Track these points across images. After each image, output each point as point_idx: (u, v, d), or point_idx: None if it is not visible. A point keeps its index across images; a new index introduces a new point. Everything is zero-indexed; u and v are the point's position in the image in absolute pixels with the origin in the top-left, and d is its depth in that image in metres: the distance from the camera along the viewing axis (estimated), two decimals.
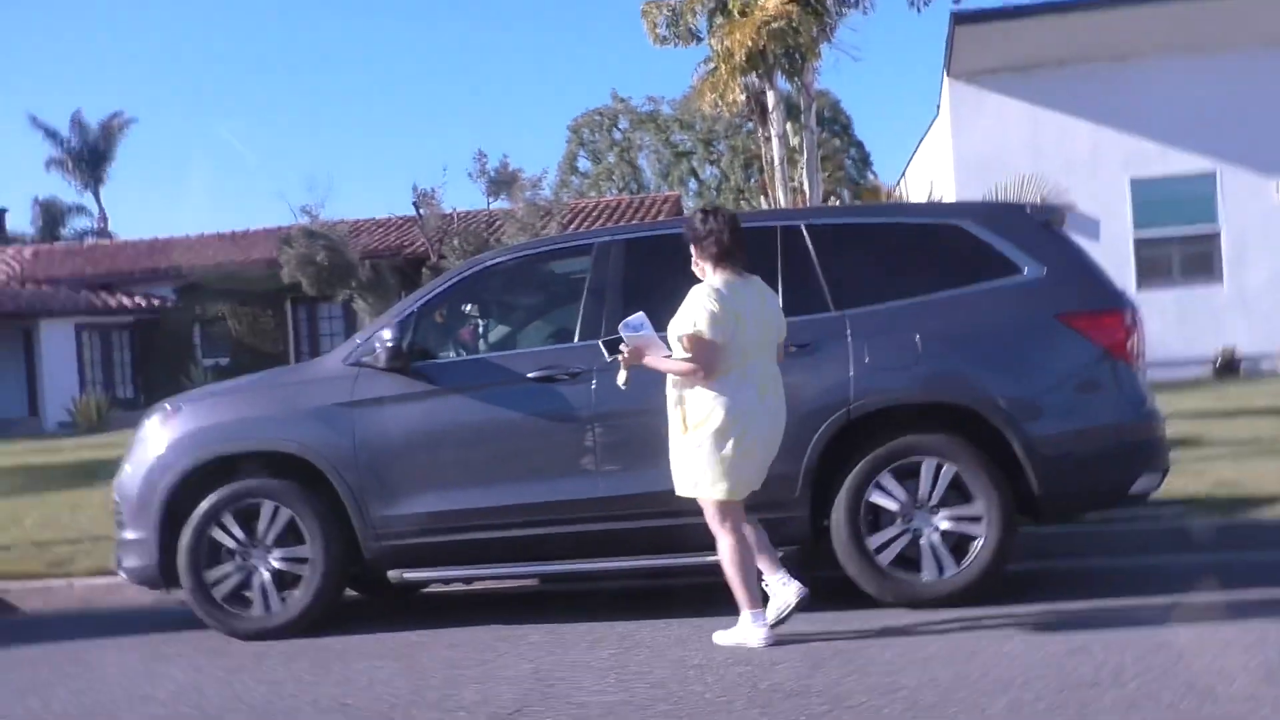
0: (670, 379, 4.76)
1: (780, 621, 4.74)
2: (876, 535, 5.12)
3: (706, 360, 4.66)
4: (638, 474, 5.15)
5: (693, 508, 5.03)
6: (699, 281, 4.82)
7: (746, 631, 4.69)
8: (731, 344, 4.68)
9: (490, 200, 22.68)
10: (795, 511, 5.16)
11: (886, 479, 5.12)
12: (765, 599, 4.78)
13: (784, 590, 4.79)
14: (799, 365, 5.16)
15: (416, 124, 70.98)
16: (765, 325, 4.78)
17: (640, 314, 4.84)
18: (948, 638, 4.57)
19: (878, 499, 5.13)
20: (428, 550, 5.47)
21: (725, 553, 4.73)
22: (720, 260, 4.81)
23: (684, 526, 5.14)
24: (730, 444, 4.67)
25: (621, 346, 4.75)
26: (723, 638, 4.74)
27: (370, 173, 70.27)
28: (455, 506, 5.38)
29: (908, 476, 5.13)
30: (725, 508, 4.74)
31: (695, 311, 4.68)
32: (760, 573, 4.83)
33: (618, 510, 5.21)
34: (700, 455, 4.68)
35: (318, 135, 69.84)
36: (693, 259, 4.89)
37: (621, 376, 4.85)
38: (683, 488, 4.76)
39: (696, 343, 4.65)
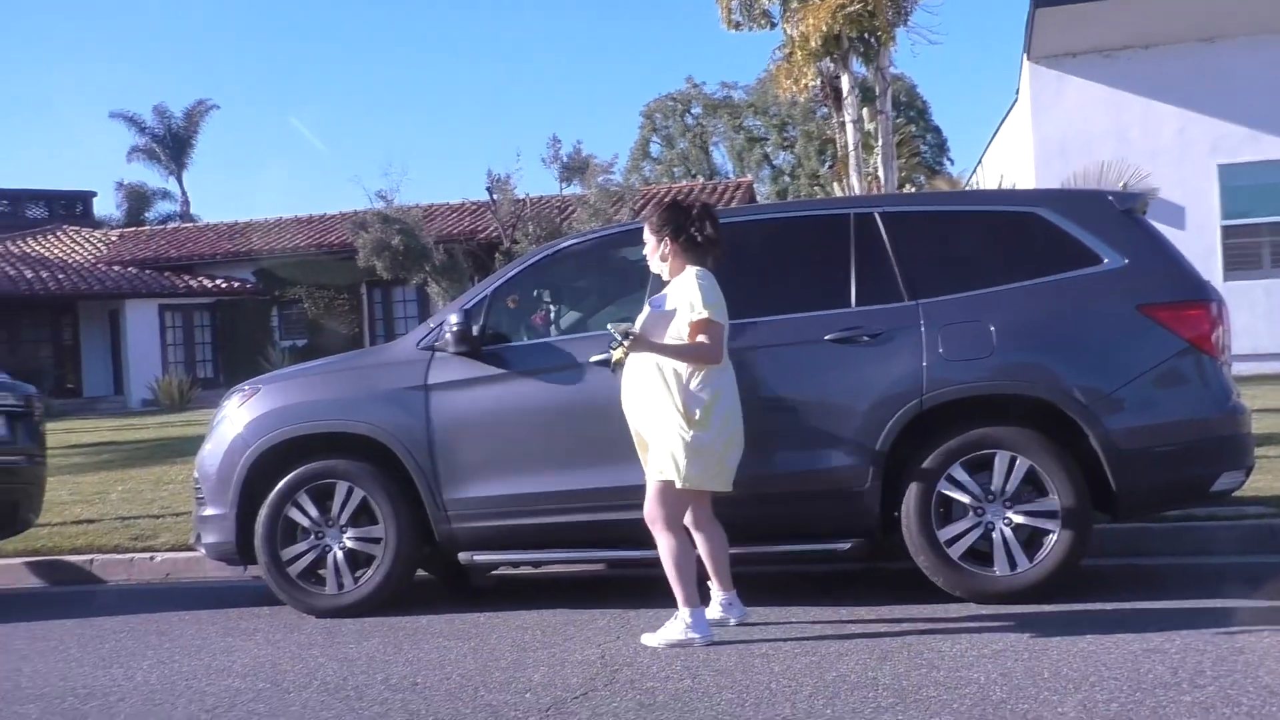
0: (660, 368, 4.65)
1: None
2: (948, 528, 5.06)
3: (719, 346, 4.63)
4: None
5: (765, 493, 5.05)
6: (693, 272, 4.66)
7: (683, 630, 4.61)
8: (729, 332, 4.71)
9: (563, 186, 22.88)
10: (865, 502, 5.09)
11: (959, 471, 5.05)
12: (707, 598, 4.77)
13: (728, 612, 4.81)
14: (871, 355, 5.11)
15: (491, 110, 71.59)
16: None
17: (665, 293, 4.79)
18: (1019, 633, 4.50)
19: (949, 491, 5.06)
20: (497, 533, 5.47)
21: (669, 549, 4.66)
22: (701, 255, 4.77)
23: (758, 515, 5.15)
24: (730, 436, 4.68)
25: (632, 330, 4.61)
26: (652, 638, 4.64)
27: (444, 158, 71.08)
28: (525, 490, 5.38)
29: (980, 469, 5.06)
30: (686, 504, 4.68)
31: (703, 296, 4.62)
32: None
33: None
34: (705, 447, 4.61)
35: (393, 121, 70.84)
36: (654, 251, 4.84)
37: (616, 355, 4.69)
38: (675, 479, 4.61)
39: (711, 327, 4.60)
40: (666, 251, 4.80)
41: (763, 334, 5.23)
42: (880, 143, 14.47)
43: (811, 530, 5.19)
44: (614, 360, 4.68)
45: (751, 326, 5.23)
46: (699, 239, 4.74)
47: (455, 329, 5.47)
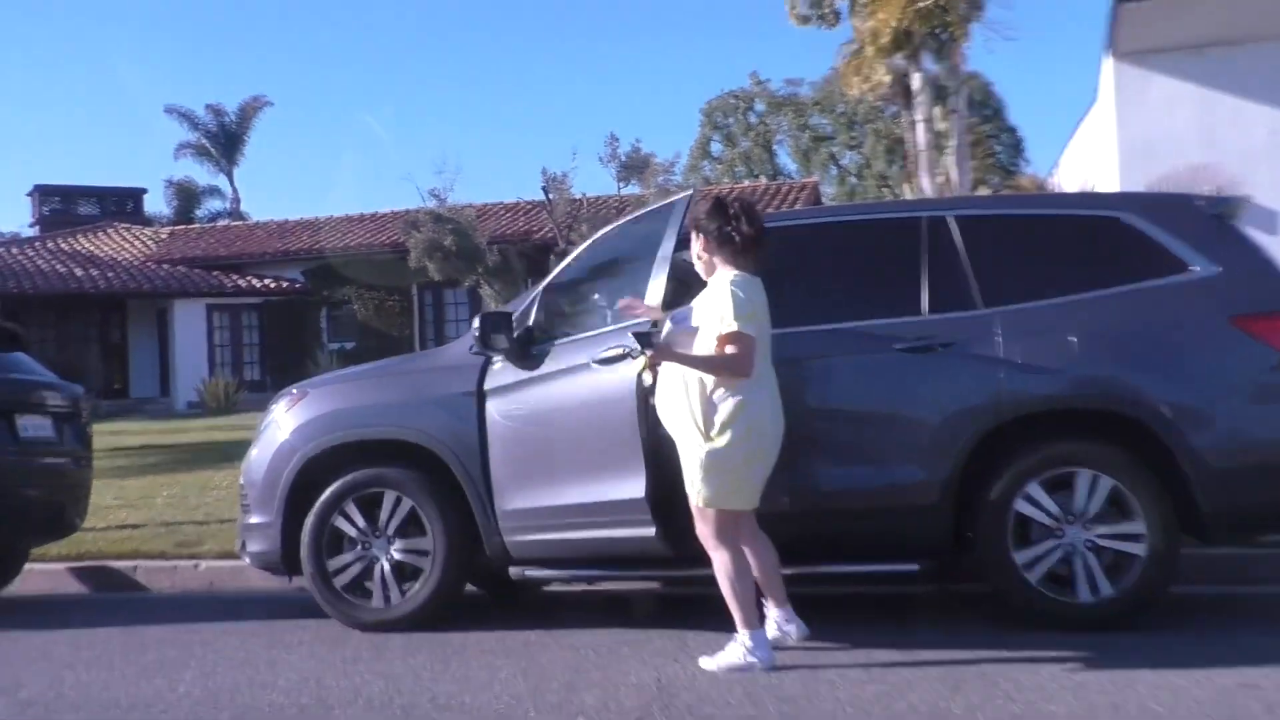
0: (685, 375, 4.54)
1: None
2: (1025, 550, 4.92)
3: (748, 359, 4.48)
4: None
5: (830, 509, 4.98)
6: (728, 277, 4.56)
7: (743, 654, 4.51)
8: (763, 343, 4.55)
9: (621, 185, 22.87)
10: (936, 521, 4.96)
11: (1036, 489, 4.91)
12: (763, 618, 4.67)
13: (785, 629, 4.74)
14: (944, 366, 5.00)
15: (546, 108, 71.91)
16: (767, 326, 4.63)
17: (689, 306, 4.68)
18: (1102, 664, 4.38)
19: (1027, 510, 4.92)
20: (550, 547, 5.33)
21: (724, 568, 4.56)
22: (740, 255, 4.64)
23: (823, 532, 5.03)
24: (750, 450, 4.53)
25: (654, 334, 4.53)
26: (710, 663, 4.56)
27: (499, 156, 71.45)
28: (579, 500, 5.16)
29: (1060, 487, 4.92)
30: (732, 519, 4.59)
31: (733, 306, 4.48)
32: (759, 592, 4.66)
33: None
34: (719, 463, 4.49)
35: (446, 118, 71.41)
36: (696, 250, 4.74)
37: (646, 376, 4.67)
38: (694, 497, 4.55)
39: (739, 340, 4.46)
40: (701, 250, 4.71)
41: (829, 342, 5.16)
42: (953, 143, 14.25)
43: (880, 550, 5.10)
44: (640, 370, 4.62)
45: (818, 334, 5.16)
46: (735, 238, 4.61)
47: (476, 332, 5.41)
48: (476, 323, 5.47)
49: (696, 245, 4.73)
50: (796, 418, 4.78)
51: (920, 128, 14.27)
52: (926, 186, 14.06)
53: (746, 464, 4.53)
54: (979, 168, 19.87)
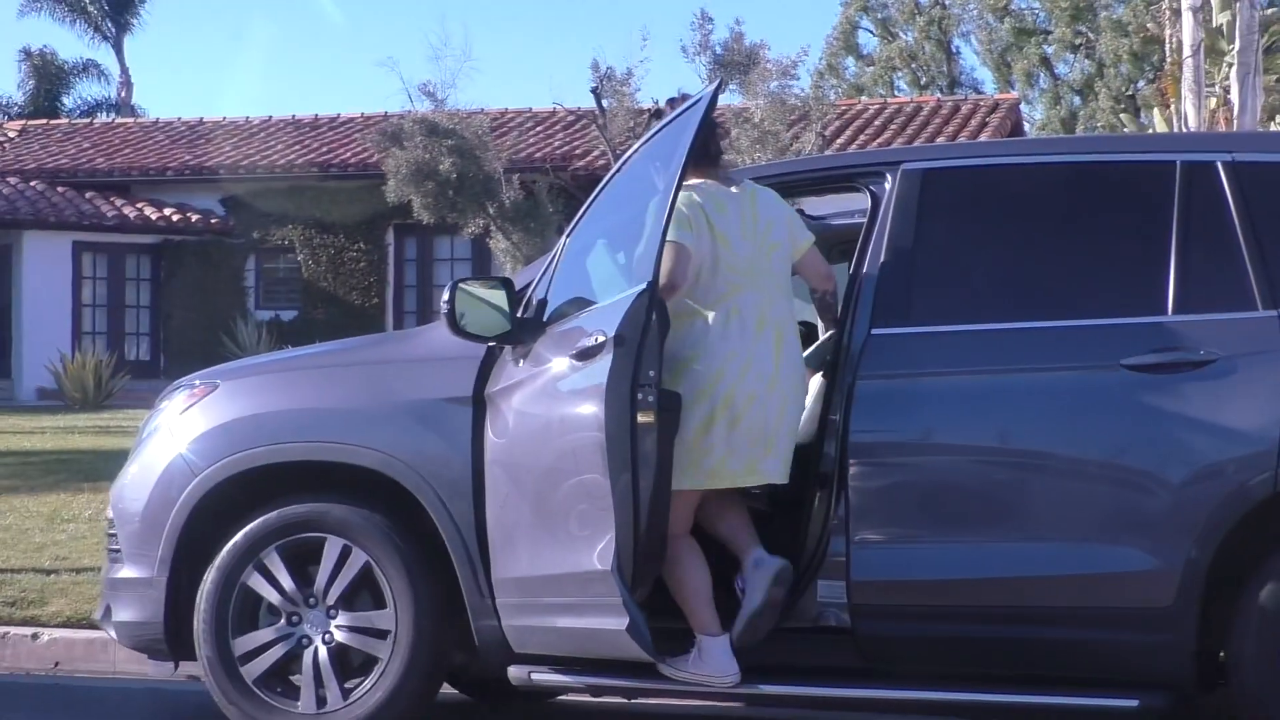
0: None
1: None
2: None
3: (673, 272, 5.08)
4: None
5: (1012, 607, 5.05)
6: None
7: (703, 664, 5.11)
8: (710, 265, 5.11)
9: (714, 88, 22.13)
10: (1169, 632, 4.79)
11: None
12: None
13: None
14: (1197, 394, 4.85)
15: None
16: (761, 240, 5.20)
17: None
18: None
19: None
20: (571, 637, 5.28)
21: (674, 564, 5.13)
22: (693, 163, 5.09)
23: (1002, 642, 5.08)
24: (712, 409, 5.09)
25: None
26: (673, 671, 5.13)
27: (526, 42, 70.82)
28: (549, 572, 5.26)
29: None
30: (686, 501, 5.12)
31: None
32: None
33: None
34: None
35: None
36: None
37: None
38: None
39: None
40: None
41: (1016, 349, 5.06)
42: (1236, 45, 14.09)
43: (1081, 671, 4.98)
44: None
45: (996, 337, 5.13)
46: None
47: (445, 307, 5.36)
48: (445, 294, 5.39)
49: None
50: (951, 463, 4.98)
51: (1187, 20, 14.05)
52: (1190, 114, 13.88)
53: (704, 428, 5.13)
54: (1276, 87, 19.27)
